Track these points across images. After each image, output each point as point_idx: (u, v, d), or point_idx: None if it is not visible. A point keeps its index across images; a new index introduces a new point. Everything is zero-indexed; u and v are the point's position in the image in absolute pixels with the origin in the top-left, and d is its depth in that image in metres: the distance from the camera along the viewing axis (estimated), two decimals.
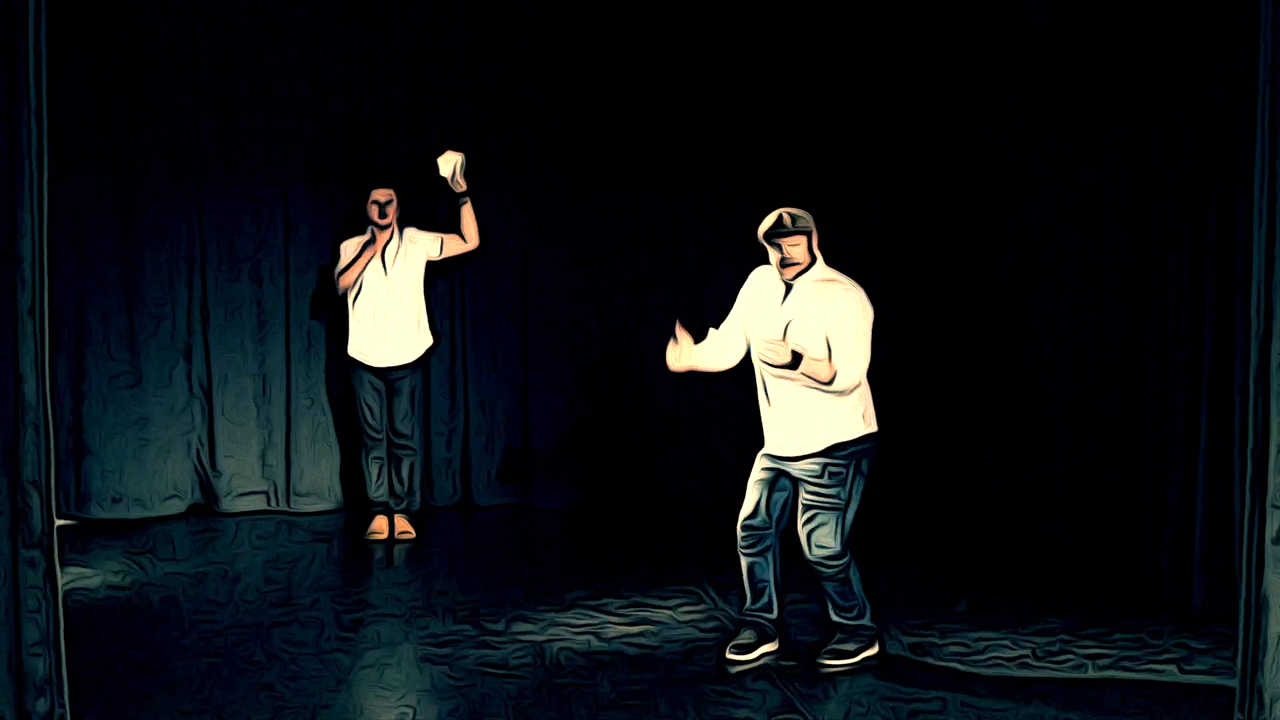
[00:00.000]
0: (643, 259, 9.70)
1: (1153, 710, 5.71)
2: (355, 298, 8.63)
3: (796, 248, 6.11)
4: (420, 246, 8.73)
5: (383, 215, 8.58)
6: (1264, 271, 4.86)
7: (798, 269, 6.13)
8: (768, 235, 6.13)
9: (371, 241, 8.60)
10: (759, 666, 6.25)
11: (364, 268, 8.57)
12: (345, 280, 8.61)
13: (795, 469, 6.21)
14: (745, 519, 6.34)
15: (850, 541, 6.24)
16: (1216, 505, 6.86)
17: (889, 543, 8.65)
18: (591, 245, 9.76)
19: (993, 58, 8.49)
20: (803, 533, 6.22)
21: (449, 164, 8.61)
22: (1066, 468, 7.86)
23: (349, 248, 8.70)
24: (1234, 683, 5.18)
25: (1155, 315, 7.21)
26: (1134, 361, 7.41)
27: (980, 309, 8.60)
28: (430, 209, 9.29)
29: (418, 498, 9.08)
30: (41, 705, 4.79)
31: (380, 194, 8.63)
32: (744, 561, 6.40)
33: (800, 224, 6.11)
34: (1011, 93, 8.29)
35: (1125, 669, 6.19)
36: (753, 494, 6.33)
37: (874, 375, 6.26)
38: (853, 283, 6.20)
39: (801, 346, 6.02)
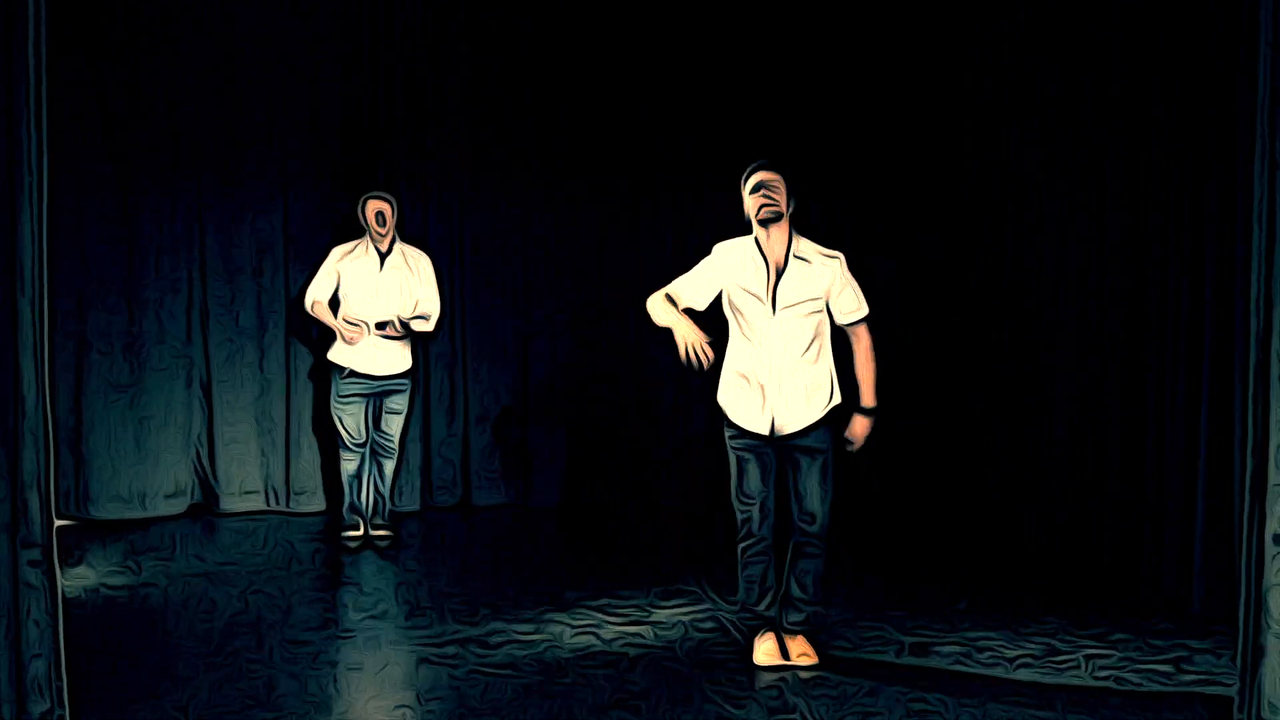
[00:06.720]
0: (643, 259, 9.71)
1: (1153, 711, 5.70)
2: (347, 305, 8.55)
3: (778, 191, 6.18)
4: (415, 274, 8.61)
5: (381, 224, 8.51)
6: (1264, 271, 4.86)
7: (774, 209, 6.15)
8: (756, 168, 6.24)
9: (368, 246, 8.52)
10: (758, 666, 6.24)
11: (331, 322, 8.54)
12: (313, 311, 8.60)
13: (799, 442, 6.08)
14: (751, 495, 6.11)
15: None
16: (1216, 505, 6.86)
17: (889, 543, 8.67)
18: (591, 245, 9.77)
19: (990, 54, 8.49)
20: (816, 505, 6.07)
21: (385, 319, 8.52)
22: (1066, 467, 7.87)
23: (337, 254, 8.62)
24: (1233, 683, 5.18)
25: (1155, 315, 7.21)
26: (1134, 362, 7.41)
27: (981, 310, 8.60)
28: (423, 213, 9.33)
29: (394, 501, 9.05)
30: (41, 706, 4.78)
31: (378, 204, 8.52)
32: (758, 545, 6.15)
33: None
34: (1010, 89, 8.30)
35: (1125, 669, 6.18)
36: (753, 471, 6.12)
37: (877, 377, 6.23)
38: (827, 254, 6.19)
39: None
